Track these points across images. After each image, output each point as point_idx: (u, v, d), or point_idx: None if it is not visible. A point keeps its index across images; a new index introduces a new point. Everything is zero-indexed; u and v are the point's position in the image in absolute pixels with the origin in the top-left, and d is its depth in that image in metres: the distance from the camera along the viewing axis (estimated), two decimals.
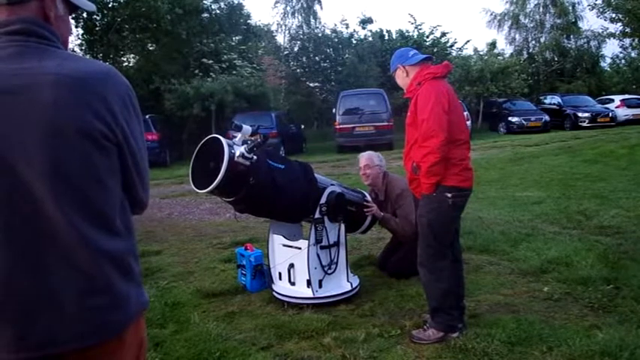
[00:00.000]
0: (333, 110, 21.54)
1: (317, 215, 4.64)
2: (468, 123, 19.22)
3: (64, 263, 1.40)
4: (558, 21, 35.78)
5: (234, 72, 23.70)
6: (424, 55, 4.09)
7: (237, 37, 28.86)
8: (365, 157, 5.47)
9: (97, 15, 23.37)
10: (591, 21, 52.83)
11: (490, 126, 26.95)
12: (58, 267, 1.39)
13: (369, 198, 5.34)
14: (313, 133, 29.44)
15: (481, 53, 31.09)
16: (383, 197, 5.43)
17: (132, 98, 1.55)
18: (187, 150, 18.18)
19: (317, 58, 31.78)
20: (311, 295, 4.64)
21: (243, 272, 5.28)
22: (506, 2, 37.12)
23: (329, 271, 4.74)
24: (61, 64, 1.44)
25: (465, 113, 18.16)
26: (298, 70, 32.50)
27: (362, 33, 34.31)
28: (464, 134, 3.89)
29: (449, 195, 3.76)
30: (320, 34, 32.08)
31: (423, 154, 3.70)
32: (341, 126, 20.54)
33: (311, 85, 32.95)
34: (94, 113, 1.41)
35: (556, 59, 36.59)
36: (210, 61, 23.83)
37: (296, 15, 33.13)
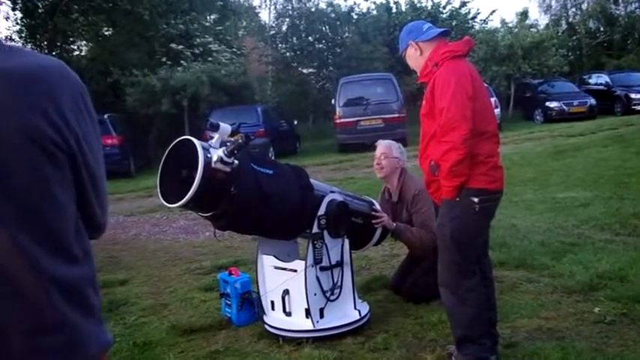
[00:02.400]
0: (332, 101, 21.59)
1: (315, 229, 4.66)
2: (497, 111, 19.27)
3: (11, 295, 1.40)
4: None
5: (209, 59, 23.75)
6: (441, 29, 4.11)
7: (212, 17, 28.96)
8: (384, 144, 5.55)
9: None
10: None
11: (524, 114, 27.00)
12: (4, 299, 1.39)
13: (377, 207, 5.36)
14: (308, 129, 29.44)
15: (510, 25, 31.25)
16: (397, 198, 5.46)
17: (85, 99, 1.56)
18: (155, 156, 18.15)
19: (310, 38, 31.81)
20: (311, 327, 4.65)
21: (228, 302, 5.29)
22: None
23: (332, 298, 4.75)
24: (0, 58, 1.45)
25: (493, 99, 18.23)
26: (288, 54, 32.53)
27: (364, 6, 34.70)
28: (492, 125, 3.91)
29: (475, 200, 3.77)
30: (313, 9, 32.15)
31: (443, 151, 3.70)
32: (342, 120, 20.59)
33: (304, 71, 32.96)
34: (43, 116, 1.42)
35: (602, 29, 36.69)
36: (180, 47, 23.88)
37: None
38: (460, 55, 3.92)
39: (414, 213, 5.32)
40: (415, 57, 4.06)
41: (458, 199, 3.78)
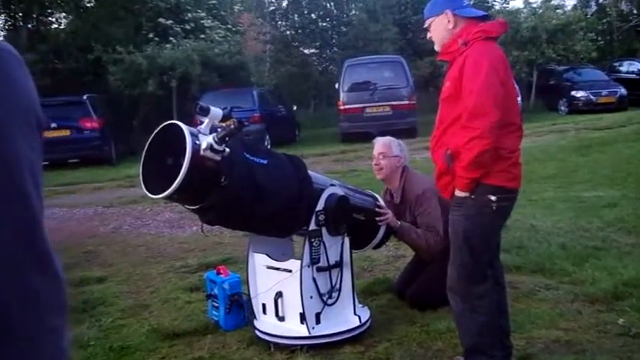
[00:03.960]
0: (336, 85, 21.57)
1: (312, 226, 4.66)
2: (518, 100, 19.20)
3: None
4: None
5: (201, 36, 23.72)
6: (484, 12, 4.10)
7: None
8: (381, 142, 5.54)
9: None
10: None
11: (547, 103, 26.95)
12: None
13: (381, 202, 5.37)
14: (309, 116, 29.46)
15: (534, 6, 31.06)
16: (399, 199, 5.46)
17: None
18: (139, 141, 18.04)
19: (313, 15, 31.81)
20: (306, 334, 4.65)
21: (216, 304, 5.30)
22: None
23: (329, 301, 4.75)
24: None
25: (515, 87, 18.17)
26: (288, 32, 32.52)
27: None
28: (517, 117, 3.90)
29: (493, 198, 3.75)
30: None
31: (468, 138, 3.65)
32: (346, 106, 20.58)
33: (306, 51, 32.95)
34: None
35: (635, 12, 36.60)
36: (170, 22, 23.86)
37: None
38: (493, 37, 3.90)
39: (418, 215, 5.32)
40: (444, 28, 3.99)
41: (473, 196, 3.77)
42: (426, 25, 4.12)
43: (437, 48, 4.07)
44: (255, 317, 5.02)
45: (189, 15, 24.54)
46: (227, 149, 4.04)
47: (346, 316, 4.85)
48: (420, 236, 5.26)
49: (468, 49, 3.79)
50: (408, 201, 5.41)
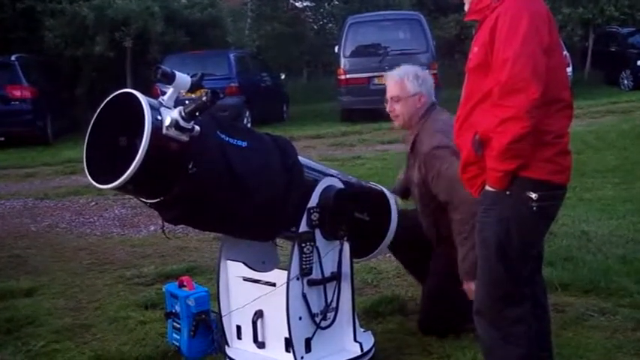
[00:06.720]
0: (336, 49, 21.54)
1: (303, 227, 4.65)
2: (568, 70, 19.25)
3: None
4: None
5: None
6: None
7: None
8: (392, 82, 5.42)
9: None
10: None
11: (606, 75, 26.96)
12: None
13: (392, 199, 5.36)
14: (302, 87, 29.49)
15: None
16: (410, 147, 5.37)
17: None
18: (84, 116, 18.11)
19: None
20: None
21: (177, 325, 5.31)
22: None
23: (323, 324, 4.76)
24: None
25: (564, 54, 18.19)
26: None
27: None
28: (566, 91, 3.87)
29: (533, 195, 3.74)
30: None
31: (499, 119, 3.62)
32: (348, 76, 20.57)
33: (297, 4, 32.94)
34: None
35: None
36: None
37: None
38: None
39: (433, 186, 5.07)
40: None
41: (508, 192, 3.76)
42: None
43: (467, 7, 4.06)
44: (227, 343, 5.03)
45: None
46: (196, 127, 4.04)
47: (344, 343, 4.87)
48: (460, 240, 4.90)
49: (500, 4, 3.75)
50: (417, 156, 5.25)
